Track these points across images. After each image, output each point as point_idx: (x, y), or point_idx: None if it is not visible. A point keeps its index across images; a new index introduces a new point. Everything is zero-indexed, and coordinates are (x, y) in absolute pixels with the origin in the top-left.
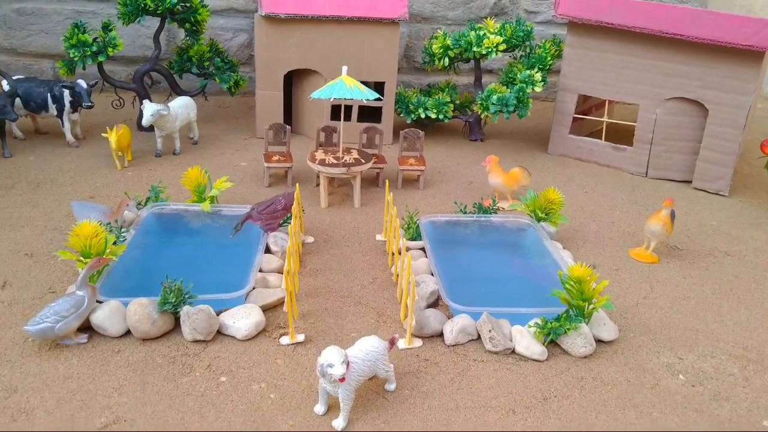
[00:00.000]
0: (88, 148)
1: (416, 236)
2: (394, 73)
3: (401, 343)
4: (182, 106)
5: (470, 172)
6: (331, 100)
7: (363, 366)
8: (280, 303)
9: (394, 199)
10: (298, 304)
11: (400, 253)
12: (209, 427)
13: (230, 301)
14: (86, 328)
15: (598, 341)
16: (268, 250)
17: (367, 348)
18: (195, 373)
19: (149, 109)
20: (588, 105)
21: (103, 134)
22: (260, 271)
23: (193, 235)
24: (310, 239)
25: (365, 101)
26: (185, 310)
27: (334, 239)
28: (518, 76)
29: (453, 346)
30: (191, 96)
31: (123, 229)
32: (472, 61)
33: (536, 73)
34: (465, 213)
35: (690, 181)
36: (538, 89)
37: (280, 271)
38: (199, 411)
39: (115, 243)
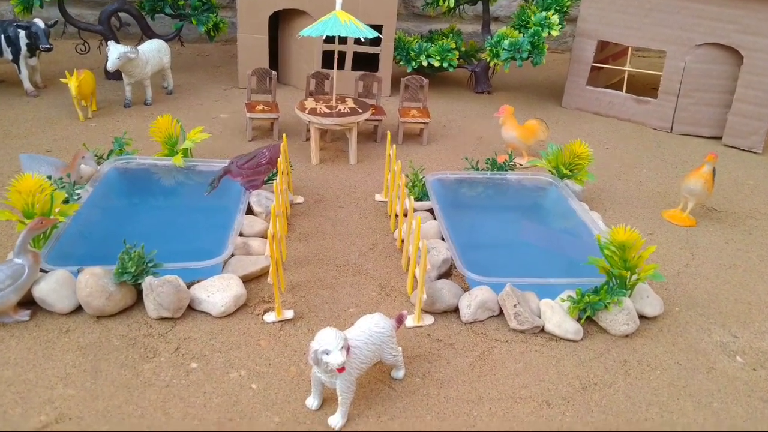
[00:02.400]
0: (48, 98)
1: (422, 196)
2: (393, 15)
3: (409, 321)
4: (154, 50)
5: (478, 126)
6: (322, 42)
7: (366, 351)
8: (264, 273)
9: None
10: (286, 274)
11: (405, 215)
12: (174, 427)
13: (204, 270)
14: (28, 303)
15: (641, 317)
16: (250, 211)
17: (371, 328)
18: (160, 357)
19: (115, 51)
20: (604, 54)
21: (62, 79)
22: (240, 235)
23: (163, 194)
24: (299, 199)
25: (363, 40)
26: (148, 282)
27: (327, 200)
28: (532, 18)
29: (471, 323)
30: (166, 40)
31: (77, 186)
32: (479, 5)
33: (553, 15)
34: (477, 170)
35: (719, 137)
36: (554, 33)
37: (264, 236)
38: (163, 406)
39: (66, 201)
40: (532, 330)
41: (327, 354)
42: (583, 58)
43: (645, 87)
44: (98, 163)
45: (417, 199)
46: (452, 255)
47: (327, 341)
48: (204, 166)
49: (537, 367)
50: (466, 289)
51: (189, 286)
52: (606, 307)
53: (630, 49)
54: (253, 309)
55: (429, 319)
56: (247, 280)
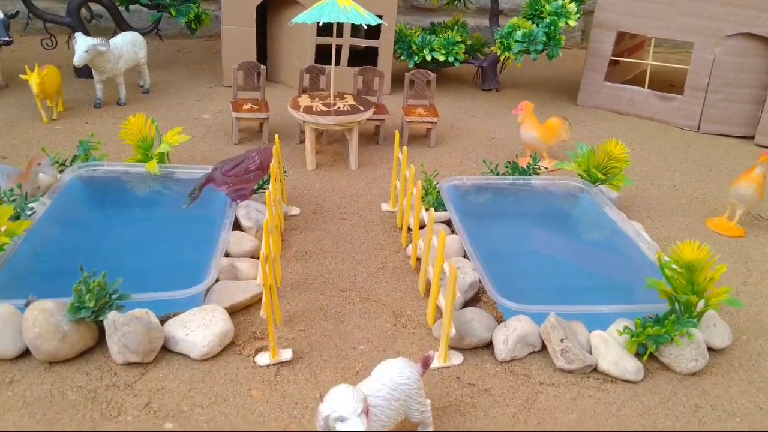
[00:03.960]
0: (8, 97)
1: (437, 205)
2: (394, 5)
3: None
4: (127, 44)
5: (489, 125)
6: (315, 35)
7: (389, 410)
8: (255, 302)
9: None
10: (282, 302)
11: (421, 228)
12: None
13: (181, 301)
14: None
15: (708, 349)
16: (237, 226)
17: (394, 380)
18: (126, 416)
19: (83, 43)
20: (620, 48)
21: (22, 75)
22: (226, 255)
23: (134, 207)
24: (294, 210)
25: (365, 26)
26: (111, 319)
27: (327, 210)
28: (547, 7)
29: (508, 362)
30: (143, 33)
31: (31, 199)
32: None
33: (570, 3)
34: (497, 174)
35: (752, 137)
36: (572, 23)
37: (254, 256)
38: None
39: (17, 218)
40: (583, 370)
41: (342, 421)
42: (601, 51)
43: (662, 83)
44: (60, 171)
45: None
46: (480, 277)
47: (341, 405)
48: (183, 173)
49: (594, 418)
50: (499, 320)
51: (163, 322)
52: (672, 340)
53: (653, 41)
54: (242, 348)
55: (457, 358)
56: (234, 311)
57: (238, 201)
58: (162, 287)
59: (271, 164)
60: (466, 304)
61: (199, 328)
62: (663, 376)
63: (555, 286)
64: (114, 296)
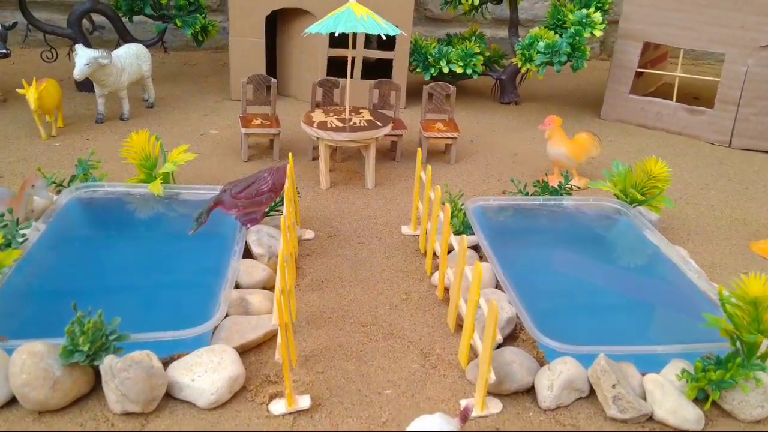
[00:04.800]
0: (8, 112)
1: (463, 228)
2: (410, 15)
3: None
4: (131, 56)
5: (510, 141)
6: (327, 47)
7: None
8: (268, 339)
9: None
10: (297, 339)
11: (449, 251)
12: None
13: (186, 342)
14: None
15: None
16: (248, 253)
17: None
18: None
19: (83, 55)
20: (644, 59)
21: (19, 90)
22: (236, 287)
23: (135, 232)
24: (309, 234)
25: (384, 37)
26: (108, 364)
27: (343, 234)
28: (570, 17)
29: (553, 410)
30: (147, 45)
31: (23, 225)
32: (503, 4)
33: (594, 12)
34: (525, 194)
35: None
36: (597, 33)
37: (267, 286)
38: None
39: (8, 245)
40: (638, 419)
41: None
42: (626, 63)
43: (686, 95)
44: (57, 192)
45: (457, 232)
46: (518, 312)
47: None
48: (189, 195)
49: None
50: (541, 361)
51: (166, 365)
52: (737, 384)
53: (681, 52)
54: (255, 395)
55: (496, 406)
56: (245, 350)
57: (249, 225)
58: (166, 324)
59: (284, 185)
60: (503, 341)
61: (207, 373)
62: (724, 424)
63: (600, 322)
64: (111, 337)
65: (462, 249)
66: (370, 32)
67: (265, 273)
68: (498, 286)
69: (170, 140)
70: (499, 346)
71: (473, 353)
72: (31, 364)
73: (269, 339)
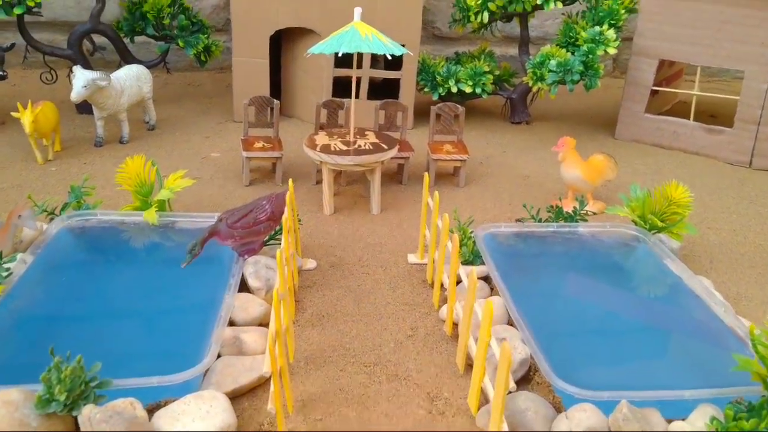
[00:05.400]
0: (4, 135)
1: (473, 257)
2: (418, 33)
3: None
4: (131, 77)
5: (522, 162)
6: (333, 66)
7: None
8: (264, 383)
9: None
10: (294, 382)
11: (458, 282)
12: None
13: (173, 387)
14: None
15: None
16: (244, 286)
17: None
18: None
19: (81, 77)
20: (659, 77)
21: (14, 113)
22: (231, 323)
23: (126, 264)
24: (310, 264)
25: (389, 57)
26: (87, 415)
27: (346, 263)
28: (582, 34)
29: None
30: (149, 66)
31: (7, 258)
32: (513, 22)
33: (608, 29)
34: (538, 221)
35: None
36: (611, 50)
37: (263, 323)
38: None
39: None
40: None
41: None
42: (641, 81)
43: (702, 114)
44: (50, 220)
45: (467, 262)
46: (533, 353)
47: None
48: (185, 223)
49: None
50: (557, 407)
51: (152, 412)
52: None
53: (698, 69)
54: None
55: None
56: (238, 395)
57: (246, 256)
58: (152, 366)
59: (283, 214)
60: (516, 385)
61: (195, 422)
62: None
63: (621, 362)
64: (92, 384)
65: (471, 283)
66: (374, 52)
67: (262, 308)
68: (510, 322)
69: (170, 164)
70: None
71: (484, 397)
72: (5, 414)
73: (265, 382)
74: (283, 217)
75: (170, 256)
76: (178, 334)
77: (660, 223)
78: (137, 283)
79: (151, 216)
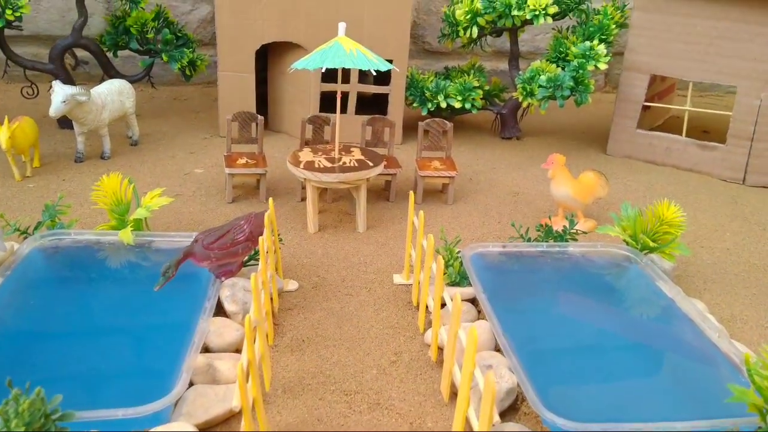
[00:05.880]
0: None
1: (459, 279)
2: (405, 48)
3: None
4: (113, 92)
5: (511, 179)
6: (320, 81)
7: None
8: (238, 413)
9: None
10: (270, 412)
11: (443, 306)
12: None
13: (141, 419)
14: None
15: None
16: (220, 309)
17: None
18: None
19: (60, 92)
20: (651, 92)
21: None
22: (205, 350)
23: (99, 287)
24: (291, 285)
25: (374, 73)
26: None
27: (329, 284)
28: (573, 49)
29: None
30: (132, 81)
31: None
32: (503, 37)
33: (598, 45)
34: (528, 240)
35: None
36: (602, 66)
37: (239, 350)
38: None
39: None
40: None
41: None
42: (633, 97)
43: (695, 129)
44: (25, 238)
45: (453, 283)
46: (520, 381)
47: None
48: (163, 242)
49: None
50: None
51: None
52: None
53: (690, 85)
54: None
55: None
56: (210, 426)
57: (223, 278)
58: (121, 395)
59: (262, 234)
60: (502, 414)
61: None
62: None
63: (612, 391)
64: (53, 416)
65: (456, 309)
66: (359, 68)
67: (238, 334)
68: (497, 347)
69: (152, 180)
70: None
71: (469, 428)
72: None
73: (239, 412)
74: (260, 239)
75: (144, 277)
76: (148, 361)
77: (652, 244)
78: (108, 306)
79: (126, 236)
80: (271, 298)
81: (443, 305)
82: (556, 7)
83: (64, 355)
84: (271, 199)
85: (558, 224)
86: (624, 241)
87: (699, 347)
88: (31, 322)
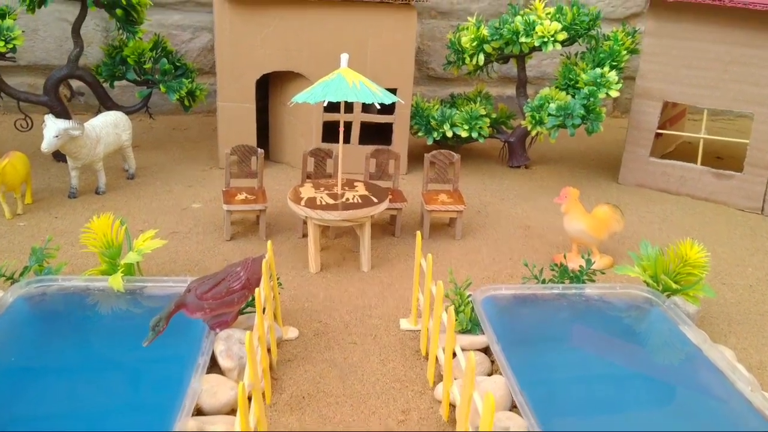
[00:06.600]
0: None
1: (471, 325)
2: (410, 76)
3: None
4: (108, 125)
5: (521, 211)
6: (323, 110)
7: None
8: None
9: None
10: None
11: (454, 355)
12: None
13: None
14: None
15: None
16: (214, 365)
17: None
18: None
19: (53, 127)
20: (662, 118)
21: None
22: (196, 413)
23: (84, 339)
24: (291, 333)
25: (377, 106)
26: None
27: (332, 330)
28: (583, 76)
29: None
30: (129, 112)
31: None
32: (510, 63)
33: (609, 71)
34: (543, 282)
35: None
36: (614, 93)
37: (235, 410)
38: None
39: None
40: None
41: None
42: (645, 124)
43: (708, 155)
44: (11, 284)
45: (464, 331)
46: None
47: None
48: (155, 288)
49: None
50: None
51: None
52: None
53: (705, 112)
54: None
55: None
56: None
57: (218, 330)
58: None
59: (260, 281)
60: None
61: None
62: None
63: None
64: None
65: (470, 369)
66: (362, 101)
67: (233, 393)
68: (515, 405)
69: (147, 216)
70: None
71: None
72: None
73: None
74: (257, 290)
75: (134, 327)
76: (135, 425)
77: (674, 285)
78: (93, 362)
79: (116, 282)
80: (269, 349)
81: (454, 355)
82: (566, 34)
83: (42, 417)
84: (269, 243)
85: (573, 262)
86: (644, 282)
87: (730, 402)
88: (11, 377)
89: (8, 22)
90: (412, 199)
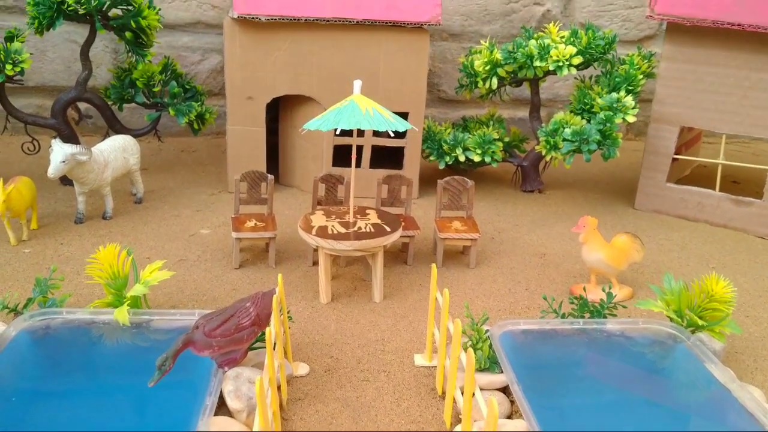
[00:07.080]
0: None
1: (489, 363)
2: (422, 100)
3: None
4: (116, 149)
5: (537, 237)
6: (334, 135)
7: None
8: None
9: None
10: None
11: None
12: None
13: None
14: None
15: None
16: (222, 404)
17: None
18: None
19: (59, 152)
20: (678, 142)
21: None
22: None
23: (87, 377)
24: (302, 369)
25: (391, 134)
26: None
27: (343, 366)
28: (598, 101)
29: None
30: (138, 135)
31: None
32: (523, 86)
33: (626, 96)
34: (562, 317)
35: None
36: (630, 119)
37: None
38: None
39: None
40: None
41: None
42: (662, 149)
43: (725, 179)
44: (15, 317)
45: (482, 369)
46: None
47: None
48: (162, 321)
49: None
50: None
51: None
52: None
53: (724, 137)
54: None
55: None
56: None
57: (227, 368)
58: None
59: (270, 317)
60: None
61: None
62: None
63: None
64: None
65: (492, 417)
66: (375, 128)
67: None
68: None
69: (155, 243)
70: None
71: None
72: None
73: None
74: (267, 330)
75: (139, 364)
76: None
77: (700, 321)
78: (96, 402)
79: (122, 316)
80: (279, 387)
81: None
82: (581, 58)
83: None
84: (280, 276)
85: (593, 293)
86: (668, 317)
87: None
88: (10, 420)
89: (16, 45)
90: (424, 224)
